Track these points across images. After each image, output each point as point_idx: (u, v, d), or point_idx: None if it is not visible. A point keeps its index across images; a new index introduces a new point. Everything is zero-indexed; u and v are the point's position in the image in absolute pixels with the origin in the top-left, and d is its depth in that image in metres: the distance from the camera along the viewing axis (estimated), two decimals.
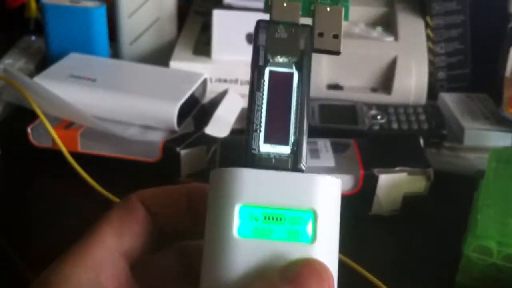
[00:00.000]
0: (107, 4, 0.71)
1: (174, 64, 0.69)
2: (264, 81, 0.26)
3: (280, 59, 0.26)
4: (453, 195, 0.55)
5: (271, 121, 0.26)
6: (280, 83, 0.26)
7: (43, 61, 0.73)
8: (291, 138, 0.25)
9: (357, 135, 0.58)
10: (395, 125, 0.63)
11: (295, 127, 0.26)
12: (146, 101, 0.60)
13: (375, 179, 0.51)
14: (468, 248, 0.43)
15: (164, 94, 0.61)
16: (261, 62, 0.26)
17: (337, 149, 0.54)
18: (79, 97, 0.60)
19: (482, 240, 0.42)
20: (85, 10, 0.69)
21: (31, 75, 0.67)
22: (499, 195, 0.47)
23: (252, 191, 0.24)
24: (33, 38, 0.79)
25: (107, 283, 0.26)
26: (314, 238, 0.24)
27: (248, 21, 0.68)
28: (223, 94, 0.65)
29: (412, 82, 0.69)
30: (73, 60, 0.67)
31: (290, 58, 0.26)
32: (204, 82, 0.66)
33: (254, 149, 0.25)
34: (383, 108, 0.65)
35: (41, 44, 0.75)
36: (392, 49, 0.70)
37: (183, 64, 0.69)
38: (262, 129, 0.26)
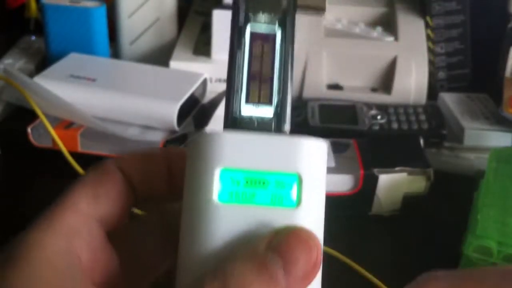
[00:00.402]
0: (107, 4, 0.71)
1: (174, 64, 0.69)
2: (244, 39, 0.24)
3: (261, 17, 0.25)
4: (453, 195, 0.55)
5: (253, 81, 0.24)
6: (262, 41, 0.24)
7: (43, 61, 0.73)
8: (275, 99, 0.24)
9: (357, 135, 0.58)
10: (395, 125, 0.63)
11: (279, 88, 0.24)
12: (146, 101, 0.60)
13: (375, 179, 0.51)
14: (468, 248, 0.43)
15: (164, 94, 0.61)
16: (241, 21, 0.25)
17: (337, 149, 0.54)
18: (79, 97, 0.60)
19: (482, 240, 0.42)
20: (85, 10, 0.69)
21: (31, 75, 0.67)
22: (499, 195, 0.47)
23: (233, 154, 0.23)
24: (33, 38, 0.79)
25: (81, 251, 0.24)
26: (299, 202, 0.22)
27: None
28: (223, 94, 0.65)
29: (412, 82, 0.69)
30: (73, 60, 0.67)
31: (272, 15, 0.25)
32: (204, 82, 0.66)
33: (235, 112, 0.24)
34: (383, 108, 0.65)
35: (41, 44, 0.75)
36: (392, 49, 0.70)
37: (183, 64, 0.69)
38: (244, 89, 0.24)
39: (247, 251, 0.21)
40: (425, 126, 0.63)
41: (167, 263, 0.27)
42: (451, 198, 0.55)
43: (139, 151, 0.27)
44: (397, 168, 0.51)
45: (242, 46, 0.24)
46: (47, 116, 0.57)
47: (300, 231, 0.22)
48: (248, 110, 0.24)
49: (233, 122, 0.24)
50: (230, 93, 0.24)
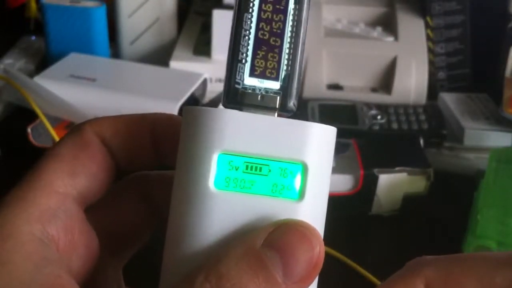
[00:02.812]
0: (107, 4, 0.71)
1: (174, 64, 0.69)
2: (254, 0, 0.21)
3: None
4: (453, 195, 0.55)
5: (260, 50, 0.21)
6: (273, 4, 0.21)
7: (43, 61, 0.73)
8: (282, 72, 0.21)
9: (357, 135, 0.58)
10: (395, 125, 0.63)
11: (288, 59, 0.21)
12: (146, 101, 0.60)
13: (375, 179, 0.51)
14: (468, 248, 0.43)
15: (164, 94, 0.61)
16: None
17: (337, 149, 0.54)
18: (79, 97, 0.60)
19: (482, 240, 0.43)
20: (85, 10, 0.69)
21: (31, 75, 0.67)
22: (499, 195, 0.47)
23: (233, 136, 0.20)
24: (33, 38, 0.79)
25: (58, 235, 0.21)
26: (302, 195, 0.21)
27: None
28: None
29: (412, 82, 0.69)
30: (73, 60, 0.67)
31: None
32: (204, 82, 0.66)
33: (238, 83, 0.21)
34: (383, 108, 0.65)
35: (41, 44, 0.75)
36: (392, 49, 0.70)
37: (183, 64, 0.69)
38: (249, 59, 0.21)
39: (242, 247, 0.19)
40: (425, 126, 0.63)
41: (149, 233, 0.26)
42: (451, 198, 0.55)
43: (120, 116, 0.24)
44: (397, 168, 0.51)
45: (251, 8, 0.21)
46: (47, 116, 0.57)
47: (301, 226, 0.20)
48: (252, 82, 0.21)
49: (234, 94, 0.21)
50: (233, 63, 0.21)
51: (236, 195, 0.20)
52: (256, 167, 0.21)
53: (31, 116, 0.58)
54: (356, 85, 0.71)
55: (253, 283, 0.19)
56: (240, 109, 0.21)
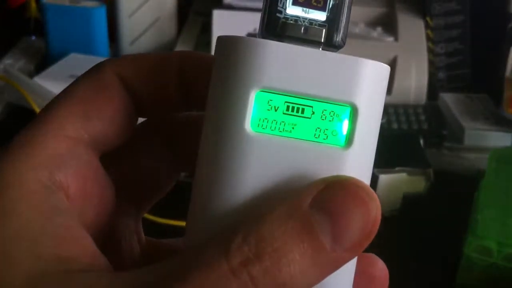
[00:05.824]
0: (107, 4, 0.71)
1: None
2: None
3: None
4: (453, 195, 0.55)
5: None
6: None
7: (43, 61, 0.73)
8: (330, 1, 0.19)
9: None
10: (395, 125, 0.63)
11: None
12: None
13: (375, 179, 0.51)
14: (468, 248, 0.43)
15: None
16: None
17: None
18: None
19: (482, 240, 0.42)
20: (85, 10, 0.69)
21: (31, 75, 0.67)
22: (499, 195, 0.47)
23: (274, 71, 0.18)
24: (33, 38, 0.79)
25: (68, 183, 0.19)
26: (349, 141, 0.18)
27: (248, 21, 0.69)
28: None
29: (412, 82, 0.69)
30: (73, 60, 0.67)
31: None
32: None
33: (280, 12, 0.19)
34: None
35: (41, 44, 0.75)
36: (392, 49, 0.70)
37: None
38: None
39: (287, 206, 0.17)
40: (425, 126, 0.63)
41: (172, 182, 0.24)
42: (451, 198, 0.55)
43: (144, 55, 0.22)
44: (397, 168, 0.51)
45: None
46: None
47: (356, 185, 0.17)
48: (295, 11, 0.19)
49: (274, 24, 0.19)
50: None
51: (275, 139, 0.18)
52: (298, 108, 0.18)
53: (31, 116, 0.58)
54: None
55: (297, 248, 0.16)
56: (281, 42, 0.19)
